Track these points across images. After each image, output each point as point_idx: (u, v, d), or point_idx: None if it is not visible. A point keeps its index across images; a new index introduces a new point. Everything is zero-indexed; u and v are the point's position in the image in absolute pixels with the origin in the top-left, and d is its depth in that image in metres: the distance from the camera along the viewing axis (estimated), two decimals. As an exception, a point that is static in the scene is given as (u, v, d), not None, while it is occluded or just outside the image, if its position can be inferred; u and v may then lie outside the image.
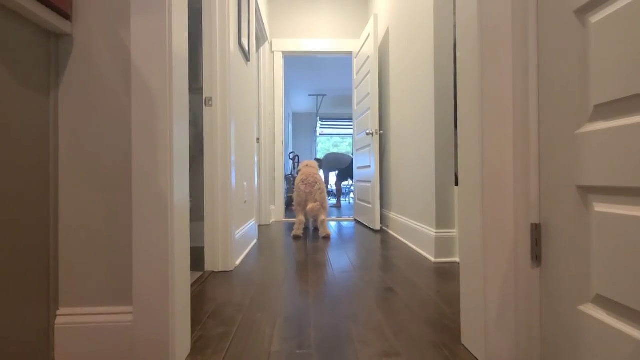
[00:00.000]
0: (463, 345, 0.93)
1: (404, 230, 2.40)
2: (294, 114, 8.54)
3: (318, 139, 9.00)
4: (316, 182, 2.77)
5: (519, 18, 0.74)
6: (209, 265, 1.69)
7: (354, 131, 3.66)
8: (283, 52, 3.59)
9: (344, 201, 6.70)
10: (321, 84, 6.64)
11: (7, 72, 0.69)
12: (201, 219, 2.13)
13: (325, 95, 7.39)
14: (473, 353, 0.89)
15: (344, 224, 3.38)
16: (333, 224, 3.37)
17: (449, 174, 1.88)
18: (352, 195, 6.93)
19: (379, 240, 2.49)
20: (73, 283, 0.83)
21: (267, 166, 3.37)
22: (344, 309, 1.20)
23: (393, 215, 2.72)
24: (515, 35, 0.74)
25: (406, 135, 2.40)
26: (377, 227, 2.86)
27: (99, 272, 0.84)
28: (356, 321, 1.09)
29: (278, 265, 1.79)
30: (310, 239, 2.59)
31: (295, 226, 2.66)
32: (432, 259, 1.86)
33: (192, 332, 1.02)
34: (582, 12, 0.60)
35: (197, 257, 1.90)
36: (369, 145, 3.01)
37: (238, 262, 1.85)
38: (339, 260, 1.89)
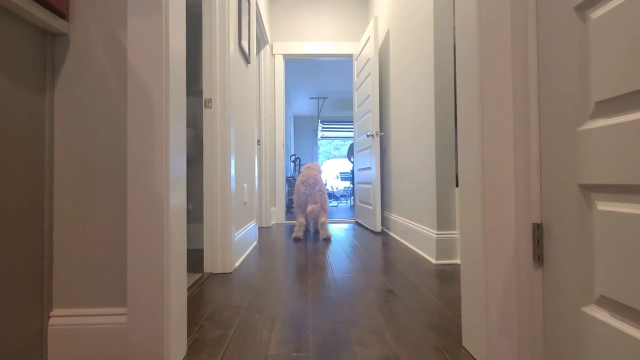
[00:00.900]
0: (464, 348, 0.92)
1: (405, 232, 2.38)
2: (295, 117, 8.56)
3: (319, 142, 9.00)
4: (316, 184, 2.75)
5: (518, 15, 0.73)
6: (207, 267, 1.68)
7: (354, 133, 3.65)
8: (284, 55, 3.60)
9: (345, 203, 6.68)
10: (322, 86, 6.65)
11: (3, 71, 0.69)
12: (200, 221, 2.12)
13: (326, 98, 7.40)
14: (475, 356, 0.87)
15: (345, 225, 3.36)
16: (334, 226, 3.35)
17: (450, 175, 1.87)
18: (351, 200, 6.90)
19: (379, 242, 2.47)
20: (67, 284, 0.83)
21: (268, 168, 3.37)
22: (343, 311, 1.18)
23: (394, 217, 2.71)
24: (514, 33, 0.74)
25: (406, 136, 2.39)
26: (378, 229, 2.84)
27: (93, 273, 0.83)
28: (355, 324, 1.08)
29: (277, 267, 1.78)
30: (310, 241, 2.57)
31: (296, 228, 2.65)
32: (433, 260, 1.84)
33: (189, 334, 1.01)
34: (582, 9, 0.60)
35: (196, 258, 1.89)
36: (369, 147, 3.00)
37: (237, 264, 1.84)
38: (339, 263, 1.88)
